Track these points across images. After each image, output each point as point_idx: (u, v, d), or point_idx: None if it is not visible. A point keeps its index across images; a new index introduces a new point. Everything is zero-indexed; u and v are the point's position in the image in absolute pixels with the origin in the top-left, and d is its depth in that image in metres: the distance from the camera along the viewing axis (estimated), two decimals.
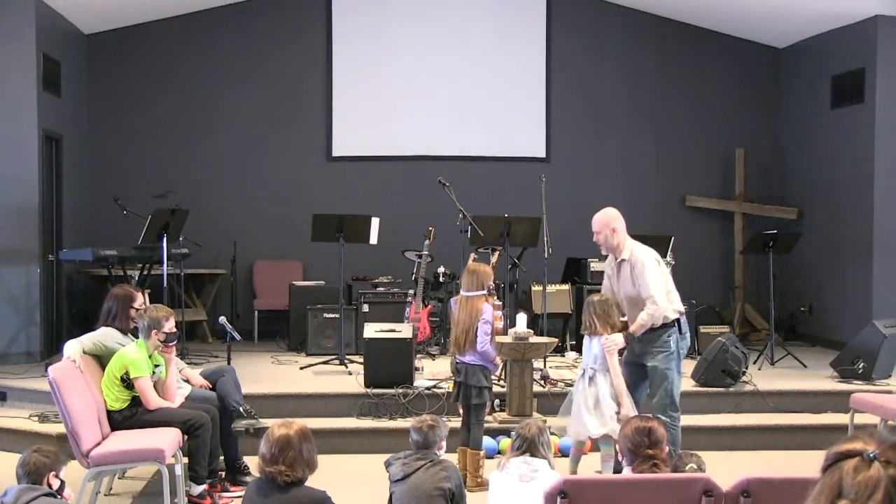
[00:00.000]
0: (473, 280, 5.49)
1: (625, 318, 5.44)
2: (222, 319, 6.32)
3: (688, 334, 5.47)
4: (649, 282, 5.26)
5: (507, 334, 6.60)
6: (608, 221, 5.43)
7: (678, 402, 5.38)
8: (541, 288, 8.25)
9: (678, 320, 5.35)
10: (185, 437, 5.10)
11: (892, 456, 1.52)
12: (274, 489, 3.56)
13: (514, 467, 4.03)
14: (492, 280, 5.61)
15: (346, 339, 8.07)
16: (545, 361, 7.45)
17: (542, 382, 7.04)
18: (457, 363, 5.59)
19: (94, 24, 9.73)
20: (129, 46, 10.04)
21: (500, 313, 8.44)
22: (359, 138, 10.26)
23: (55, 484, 3.76)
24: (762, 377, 7.48)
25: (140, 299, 5.56)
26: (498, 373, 6.59)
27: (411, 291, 8.36)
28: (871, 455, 1.52)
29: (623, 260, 5.43)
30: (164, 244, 7.50)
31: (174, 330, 5.24)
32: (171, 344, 5.22)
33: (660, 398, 5.35)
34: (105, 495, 5.39)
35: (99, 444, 4.85)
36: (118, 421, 5.09)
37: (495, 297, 5.71)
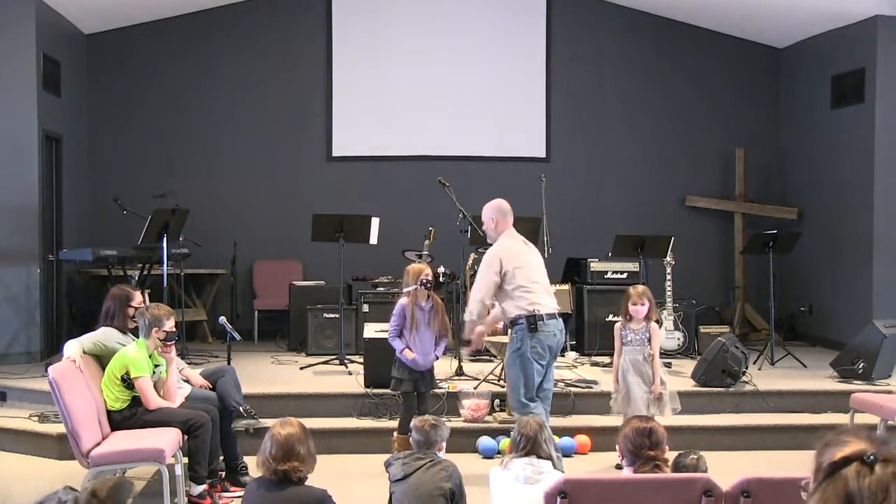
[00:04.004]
0: (405, 278, 5.86)
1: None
2: (222, 319, 6.32)
3: (544, 334, 5.31)
4: (478, 277, 5.53)
5: (506, 334, 6.59)
6: (491, 212, 5.67)
7: (526, 400, 5.31)
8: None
9: (529, 318, 5.29)
10: (185, 437, 5.09)
11: (888, 453, 1.50)
12: (275, 488, 3.59)
13: (519, 468, 4.00)
14: (425, 275, 5.81)
15: (346, 339, 8.07)
16: None
17: None
18: None
19: (94, 24, 9.73)
20: (129, 46, 10.04)
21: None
22: (359, 138, 10.26)
23: None
24: (762, 377, 7.48)
25: (138, 298, 5.55)
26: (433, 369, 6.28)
27: None
28: (871, 457, 1.50)
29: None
30: (164, 244, 7.49)
31: (174, 329, 5.24)
32: (170, 343, 5.22)
33: (510, 396, 5.49)
34: None
35: (99, 444, 4.85)
36: (118, 421, 5.08)
37: (427, 292, 5.85)
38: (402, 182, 10.16)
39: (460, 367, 7.38)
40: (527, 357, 5.31)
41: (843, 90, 9.43)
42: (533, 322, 5.29)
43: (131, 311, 5.43)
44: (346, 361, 7.76)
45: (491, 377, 7.22)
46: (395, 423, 6.44)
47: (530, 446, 4.06)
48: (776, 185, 10.60)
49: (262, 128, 10.21)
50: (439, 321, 5.87)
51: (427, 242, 8.42)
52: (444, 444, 4.27)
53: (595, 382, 7.17)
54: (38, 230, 8.37)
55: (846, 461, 1.51)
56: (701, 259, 10.36)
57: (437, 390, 6.75)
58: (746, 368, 7.34)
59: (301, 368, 7.80)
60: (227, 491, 5.36)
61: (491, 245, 5.65)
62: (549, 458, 4.09)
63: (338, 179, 10.18)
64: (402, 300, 5.81)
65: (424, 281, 5.78)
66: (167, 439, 4.86)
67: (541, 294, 5.40)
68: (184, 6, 9.95)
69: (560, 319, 5.46)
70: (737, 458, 6.25)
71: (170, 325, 5.18)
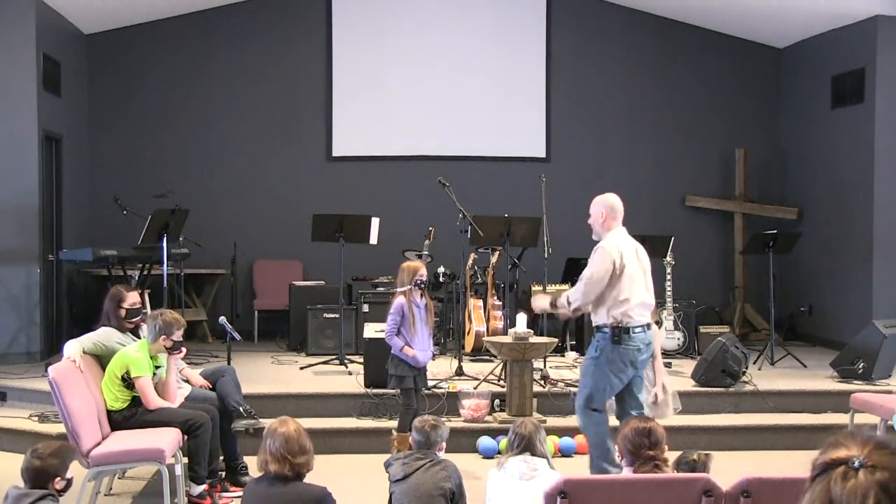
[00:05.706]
0: (399, 277, 5.88)
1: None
2: (222, 319, 6.32)
3: (626, 347, 5.01)
4: (590, 268, 5.10)
5: (507, 334, 6.60)
6: (601, 206, 5.33)
7: (592, 407, 5.10)
8: (541, 288, 8.25)
9: (615, 328, 5.02)
10: (185, 437, 5.10)
11: (877, 459, 1.50)
12: (275, 486, 3.60)
13: (514, 466, 4.02)
14: (419, 275, 5.81)
15: (346, 339, 8.07)
16: (545, 361, 7.44)
17: (542, 382, 7.04)
18: None
19: (94, 24, 9.73)
20: (129, 46, 10.04)
21: (499, 313, 8.47)
22: (359, 138, 10.26)
23: (60, 486, 3.76)
24: (762, 377, 7.48)
25: (130, 298, 5.54)
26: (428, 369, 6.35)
27: None
28: (857, 463, 1.50)
29: (595, 246, 5.28)
30: (164, 244, 7.48)
31: (182, 339, 5.26)
32: (175, 352, 5.23)
33: (578, 397, 5.23)
34: (105, 495, 5.39)
35: (99, 444, 4.85)
36: (118, 421, 5.09)
37: (420, 291, 5.85)
38: (402, 182, 10.16)
39: (460, 367, 7.39)
40: (602, 367, 5.05)
41: (843, 90, 9.42)
42: (618, 334, 5.00)
43: (123, 312, 5.45)
44: (346, 361, 7.76)
45: (491, 377, 7.22)
46: (394, 423, 6.46)
47: (525, 444, 4.08)
48: (776, 185, 10.60)
49: (262, 128, 10.21)
50: (432, 318, 6.00)
51: (427, 242, 8.42)
52: (444, 445, 4.28)
53: None
54: (38, 230, 8.37)
55: (835, 463, 1.52)
56: (701, 259, 10.36)
57: (437, 390, 6.78)
58: (746, 368, 7.34)
59: (301, 368, 7.80)
60: (227, 491, 5.36)
61: (596, 240, 5.29)
62: (544, 456, 4.11)
63: (338, 179, 10.18)
64: (400, 299, 5.82)
65: (419, 282, 5.82)
66: (167, 439, 4.86)
67: (635, 307, 5.07)
68: (183, 6, 9.94)
69: (648, 332, 5.12)
70: (737, 458, 6.24)
71: (179, 334, 5.20)
